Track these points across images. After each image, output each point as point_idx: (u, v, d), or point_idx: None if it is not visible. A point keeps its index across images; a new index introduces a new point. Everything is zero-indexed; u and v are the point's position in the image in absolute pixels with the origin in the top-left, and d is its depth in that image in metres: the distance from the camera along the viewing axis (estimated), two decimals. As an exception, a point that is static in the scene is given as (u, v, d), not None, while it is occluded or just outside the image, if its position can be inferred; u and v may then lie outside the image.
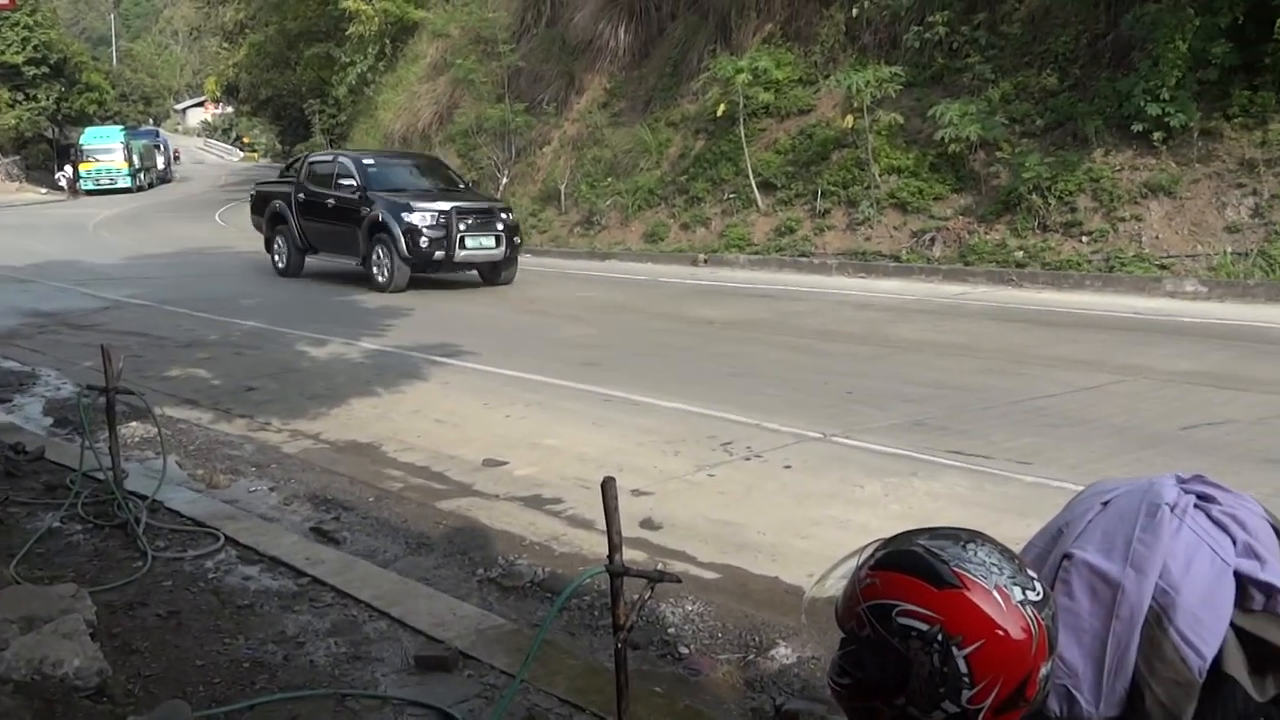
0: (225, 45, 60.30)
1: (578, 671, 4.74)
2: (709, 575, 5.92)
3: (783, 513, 6.73)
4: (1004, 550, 1.83)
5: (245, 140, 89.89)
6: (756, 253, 20.07)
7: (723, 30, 23.44)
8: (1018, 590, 1.75)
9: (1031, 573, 1.82)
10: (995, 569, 1.77)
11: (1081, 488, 6.45)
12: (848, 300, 15.55)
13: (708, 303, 15.83)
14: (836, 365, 10.94)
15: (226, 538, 6.39)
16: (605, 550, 4.42)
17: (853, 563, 1.92)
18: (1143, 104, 15.45)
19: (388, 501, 7.39)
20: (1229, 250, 14.54)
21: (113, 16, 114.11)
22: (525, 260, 23.51)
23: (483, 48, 29.57)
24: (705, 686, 4.82)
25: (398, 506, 7.28)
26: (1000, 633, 1.72)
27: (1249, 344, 11.24)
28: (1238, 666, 2.00)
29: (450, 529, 6.81)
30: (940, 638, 1.72)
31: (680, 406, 9.35)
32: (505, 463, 8.07)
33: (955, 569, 1.75)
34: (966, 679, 1.72)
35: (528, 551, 6.40)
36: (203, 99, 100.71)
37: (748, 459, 7.85)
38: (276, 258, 21.49)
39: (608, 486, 3.68)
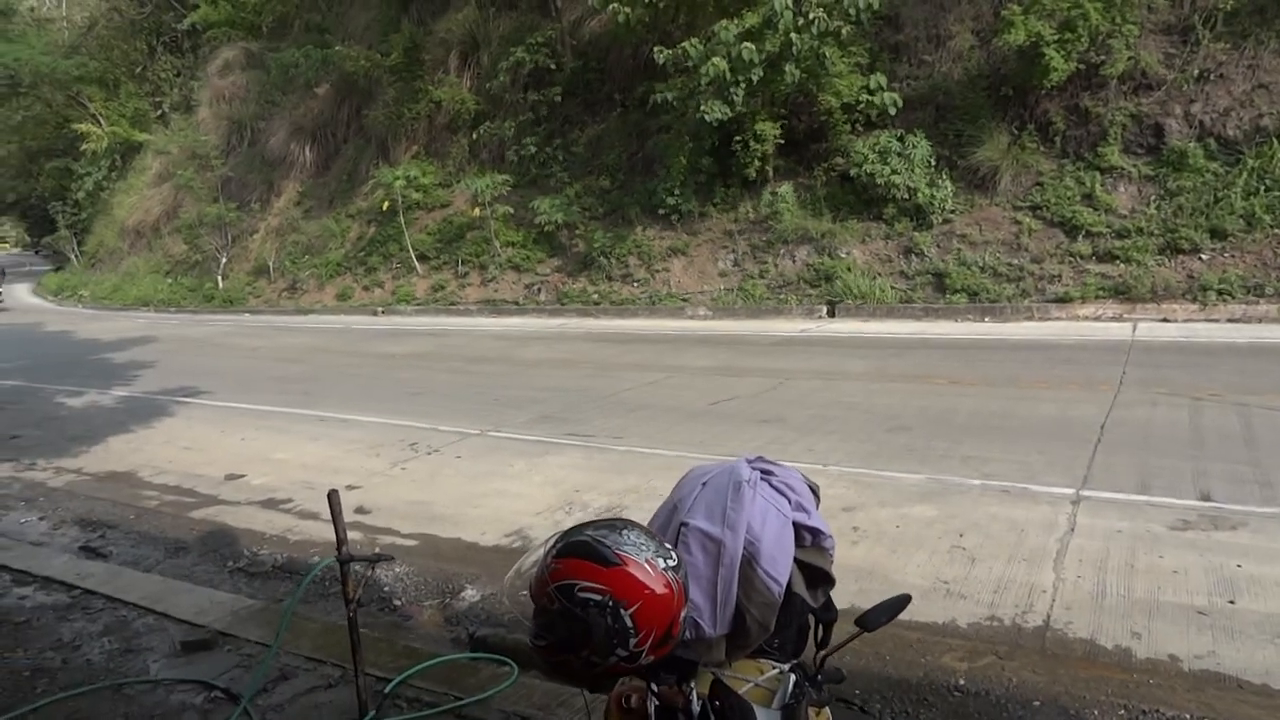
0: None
1: (318, 632, 4.28)
2: (410, 543, 5.55)
3: (459, 490, 6.44)
4: (647, 531, 1.76)
5: (-3, 234, 76.00)
6: (419, 304, 19.40)
7: (382, 150, 22.50)
8: (661, 560, 1.70)
9: (668, 545, 1.75)
10: (644, 547, 1.70)
11: (655, 451, 6.57)
12: (486, 334, 15.33)
13: (387, 342, 15.09)
14: (484, 380, 10.69)
15: (1, 565, 5.29)
16: (329, 534, 3.98)
17: (540, 553, 1.78)
18: (664, 197, 16.27)
19: (147, 517, 6.41)
20: (722, 288, 15.58)
21: None
22: (246, 318, 21.61)
23: (199, 161, 26.76)
24: (416, 628, 4.49)
25: (156, 520, 6.33)
26: (651, 592, 1.66)
27: (741, 346, 12.04)
28: (800, 586, 2.03)
29: (202, 533, 6.00)
30: (611, 604, 1.64)
31: (376, 420, 8.79)
32: (243, 475, 7.24)
33: (616, 551, 1.68)
34: (632, 630, 1.65)
35: (268, 543, 5.74)
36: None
37: (429, 454, 7.47)
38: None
39: (333, 497, 3.30)
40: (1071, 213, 12.94)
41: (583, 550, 1.69)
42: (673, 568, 1.70)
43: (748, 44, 13.64)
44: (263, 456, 7.76)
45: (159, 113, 32.79)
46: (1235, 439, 6.15)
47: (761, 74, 13.88)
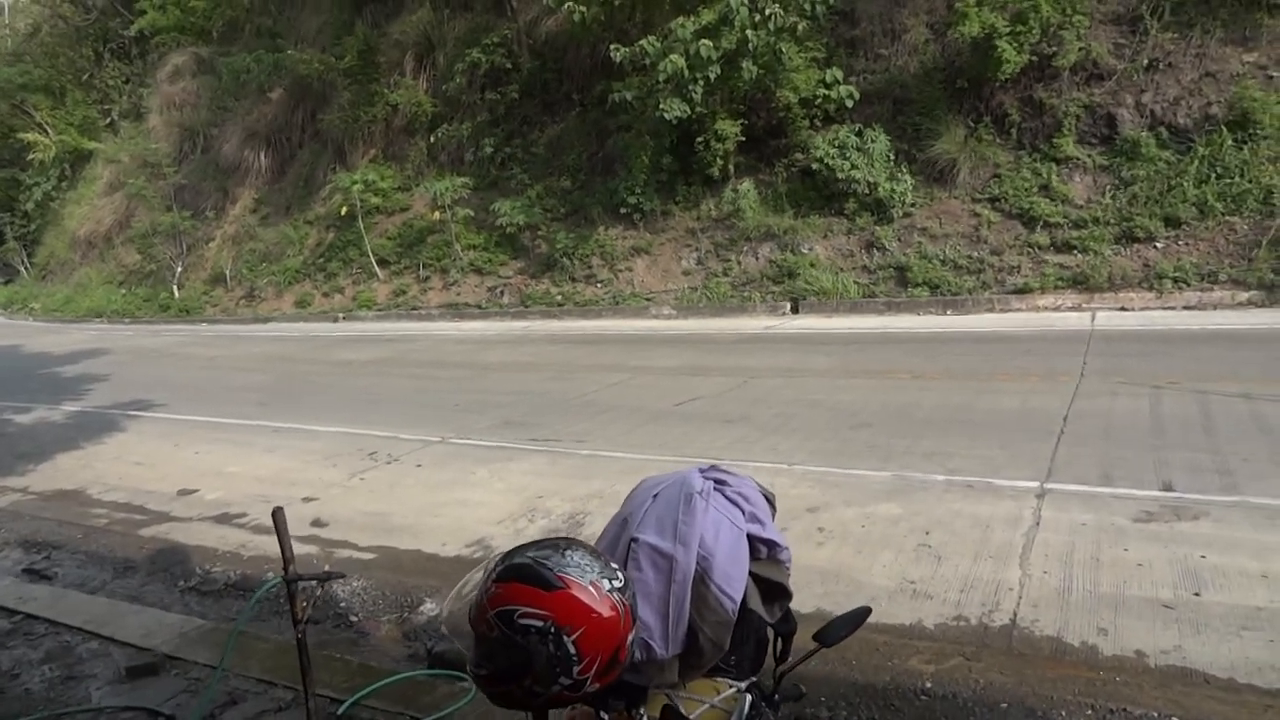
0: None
1: (269, 652, 4.12)
2: (368, 556, 5.39)
3: (419, 500, 6.29)
4: (592, 550, 1.65)
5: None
6: (380, 310, 19.10)
7: (339, 154, 22.12)
8: (606, 582, 1.59)
9: (614, 565, 1.65)
10: (588, 568, 1.60)
11: (619, 454, 6.44)
12: (448, 338, 15.10)
13: (347, 349, 14.80)
14: (445, 386, 10.51)
15: (-62, 593, 5.06)
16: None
17: (479, 576, 1.67)
18: (625, 196, 16.18)
19: (95, 536, 6.18)
20: (686, 286, 15.52)
21: None
22: (203, 328, 21.14)
23: (150, 170, 26.12)
24: (373, 644, 4.35)
25: (104, 539, 6.10)
26: (596, 616, 1.55)
27: (706, 345, 11.97)
28: (756, 601, 1.94)
29: (152, 551, 5.78)
30: (553, 630, 1.53)
31: (334, 429, 8.59)
32: (196, 490, 7.02)
33: (559, 574, 1.57)
34: (575, 658, 1.54)
35: (221, 560, 5.55)
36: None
37: (389, 463, 7.30)
38: None
39: (277, 515, 3.15)
40: (1029, 204, 13.05)
41: (523, 573, 1.58)
42: (619, 589, 1.59)
43: (705, 41, 13.59)
44: (217, 470, 7.54)
45: (108, 121, 31.99)
46: (1194, 427, 6.18)
47: (719, 71, 13.84)
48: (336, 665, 3.96)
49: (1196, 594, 3.88)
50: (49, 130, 31.70)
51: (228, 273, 23.12)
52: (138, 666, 4.04)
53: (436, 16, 20.53)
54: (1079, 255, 12.43)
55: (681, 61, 13.68)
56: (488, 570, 1.64)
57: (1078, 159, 13.11)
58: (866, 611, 2.02)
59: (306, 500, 6.46)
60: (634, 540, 1.91)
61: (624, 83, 15.15)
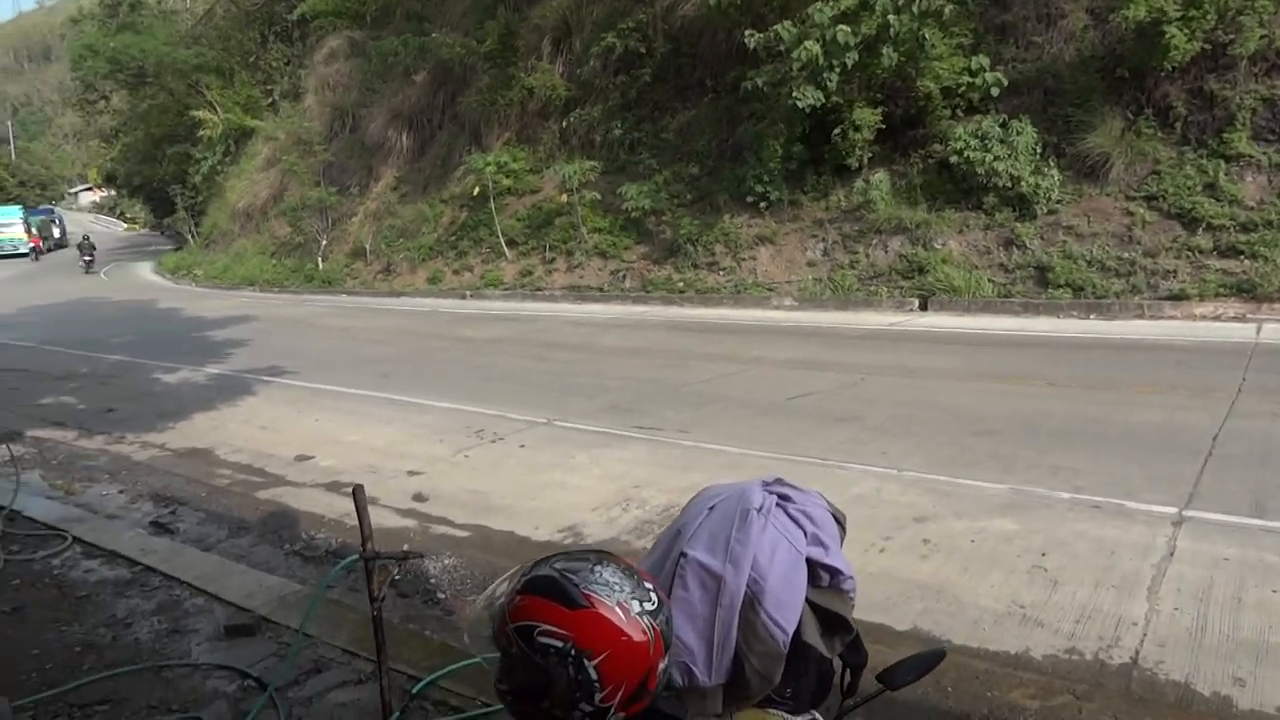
0: (104, 145, 54.11)
1: (358, 624, 4.16)
2: (462, 534, 5.43)
3: (518, 480, 6.31)
4: (626, 568, 1.51)
5: (126, 215, 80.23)
6: (506, 289, 19.49)
7: (475, 136, 22.70)
8: (636, 604, 1.44)
9: (648, 585, 1.50)
10: (618, 587, 1.45)
11: (721, 447, 6.25)
12: (568, 320, 15.21)
13: (471, 326, 15.14)
14: (559, 367, 10.57)
15: (74, 538, 5.42)
16: (384, 521, 3.83)
17: (507, 585, 1.56)
18: (753, 185, 15.85)
19: (216, 495, 6.49)
20: (810, 278, 15.09)
21: (10, 123, 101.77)
22: (343, 299, 22.17)
23: (303, 147, 27.59)
24: (457, 624, 4.36)
25: (224, 498, 6.40)
26: (623, 640, 1.41)
27: (825, 339, 11.59)
28: (813, 634, 1.76)
29: (265, 513, 6.03)
30: (573, 652, 1.40)
31: (447, 405, 8.75)
32: (313, 457, 7.28)
33: (584, 591, 1.43)
34: (597, 684, 1.41)
35: (326, 527, 5.72)
36: (89, 185, 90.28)
37: (494, 442, 7.37)
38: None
39: (358, 493, 3.16)
40: (1191, 204, 11.98)
41: (547, 587, 1.46)
42: (650, 612, 1.45)
43: (843, 27, 13.10)
44: (334, 438, 7.81)
45: (270, 100, 34.03)
46: (1370, 459, 5.48)
47: (857, 58, 13.32)
48: (418, 642, 3.98)
49: (1358, 651, 3.40)
50: (218, 109, 34.01)
51: (368, 247, 24.12)
52: (236, 626, 4.18)
53: (575, 1, 20.69)
54: (1246, 261, 11.33)
55: (817, 49, 13.23)
56: (514, 578, 1.53)
57: (1251, 156, 11.93)
58: (940, 655, 1.81)
59: (412, 474, 6.59)
60: (684, 555, 1.76)
61: (757, 70, 14.81)
